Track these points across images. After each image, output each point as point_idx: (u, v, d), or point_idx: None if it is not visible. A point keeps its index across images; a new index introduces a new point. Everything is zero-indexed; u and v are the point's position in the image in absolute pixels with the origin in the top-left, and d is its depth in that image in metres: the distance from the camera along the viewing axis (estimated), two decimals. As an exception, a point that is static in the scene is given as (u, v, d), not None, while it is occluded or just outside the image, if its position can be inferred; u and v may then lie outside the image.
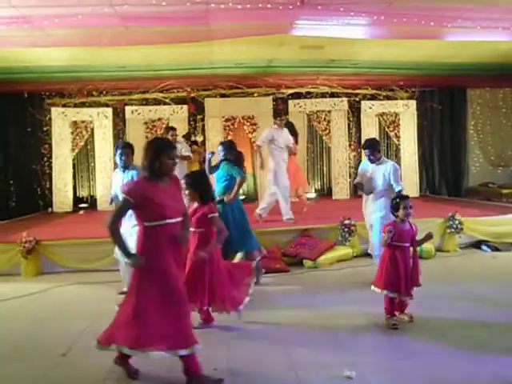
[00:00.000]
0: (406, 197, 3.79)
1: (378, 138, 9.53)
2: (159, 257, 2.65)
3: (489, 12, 5.31)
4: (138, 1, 4.62)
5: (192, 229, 3.34)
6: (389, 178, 4.44)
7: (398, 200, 3.68)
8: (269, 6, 4.91)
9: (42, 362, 3.08)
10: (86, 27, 5.24)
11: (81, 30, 5.34)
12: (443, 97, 10.16)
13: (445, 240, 6.05)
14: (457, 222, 5.98)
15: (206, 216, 3.44)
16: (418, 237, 3.71)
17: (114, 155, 4.50)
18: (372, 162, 4.59)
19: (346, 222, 5.82)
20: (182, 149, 6.84)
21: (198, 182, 3.58)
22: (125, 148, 4.32)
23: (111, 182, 4.61)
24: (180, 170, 6.90)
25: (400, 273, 3.49)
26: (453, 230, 5.99)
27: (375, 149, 4.58)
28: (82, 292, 4.75)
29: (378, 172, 4.52)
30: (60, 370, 2.95)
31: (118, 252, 4.17)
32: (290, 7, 4.99)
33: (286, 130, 6.92)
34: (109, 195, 4.98)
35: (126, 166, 4.27)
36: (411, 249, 3.62)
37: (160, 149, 2.72)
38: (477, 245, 6.15)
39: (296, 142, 7.45)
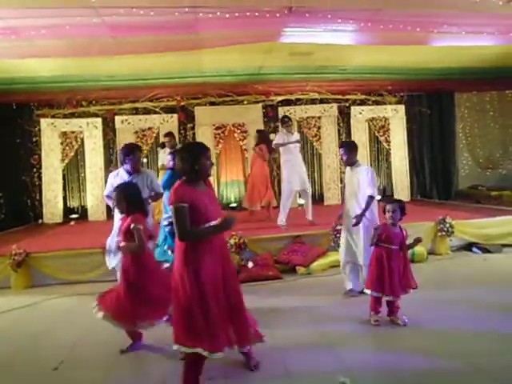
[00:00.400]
0: (392, 201, 3.83)
1: (368, 143, 9.74)
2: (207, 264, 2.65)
3: (473, 18, 5.40)
4: (126, 11, 4.62)
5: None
6: (363, 182, 4.30)
7: (384, 203, 3.73)
8: (256, 14, 4.96)
9: (33, 377, 3.03)
10: (75, 38, 5.23)
11: (69, 40, 5.34)
12: (431, 101, 10.26)
13: (436, 243, 6.08)
14: (448, 225, 6.02)
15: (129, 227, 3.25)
16: (409, 241, 3.74)
17: (122, 159, 4.22)
18: (346, 164, 4.50)
19: (338, 227, 5.82)
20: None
21: (125, 192, 3.39)
22: (140, 151, 4.32)
23: (108, 183, 4.39)
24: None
25: (385, 273, 3.55)
26: (444, 233, 6.03)
27: (350, 150, 4.43)
28: (74, 304, 4.69)
29: (354, 176, 4.42)
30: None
31: (111, 262, 4.13)
32: (278, 15, 5.03)
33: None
34: (104, 197, 4.77)
35: (137, 170, 4.20)
36: (401, 252, 3.63)
37: (198, 151, 2.73)
38: (468, 247, 6.19)
39: (269, 150, 7.47)
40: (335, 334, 3.48)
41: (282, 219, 6.46)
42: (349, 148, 4.47)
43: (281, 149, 6.83)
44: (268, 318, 3.87)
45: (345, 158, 4.46)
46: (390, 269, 3.57)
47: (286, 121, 6.86)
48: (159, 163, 7.98)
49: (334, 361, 3.01)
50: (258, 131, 7.92)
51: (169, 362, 3.10)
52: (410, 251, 5.58)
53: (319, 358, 3.07)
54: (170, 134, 7.36)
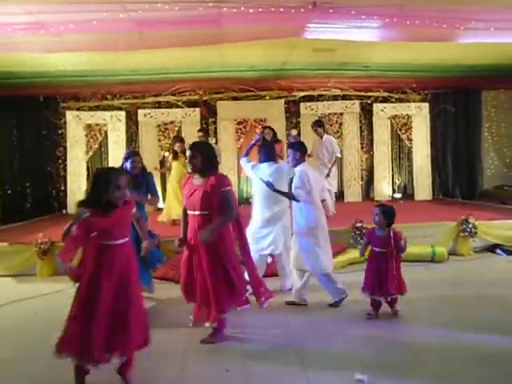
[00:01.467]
0: (377, 205, 3.96)
1: (389, 141, 9.61)
2: None
3: (502, 13, 5.27)
4: (152, 6, 4.68)
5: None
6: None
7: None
8: (281, 9, 4.94)
9: (58, 361, 3.12)
10: (101, 33, 5.32)
11: (96, 35, 5.44)
12: (457, 99, 10.06)
13: (458, 244, 5.98)
14: (470, 225, 5.91)
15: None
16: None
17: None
18: (293, 165, 4.21)
19: (358, 224, 5.80)
20: None
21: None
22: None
23: None
24: None
25: (371, 275, 3.76)
26: (466, 234, 5.92)
27: (297, 149, 4.17)
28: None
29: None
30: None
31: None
32: (302, 10, 5.01)
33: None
34: None
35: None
36: (388, 254, 3.74)
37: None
38: (491, 249, 6.08)
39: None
40: (356, 328, 3.48)
41: None
42: (296, 147, 4.22)
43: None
44: (284, 312, 3.91)
45: (291, 157, 4.19)
46: (376, 271, 3.73)
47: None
48: None
49: (351, 358, 3.02)
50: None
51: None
52: (429, 251, 5.61)
53: (337, 354, 3.09)
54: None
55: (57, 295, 4.76)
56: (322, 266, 4.01)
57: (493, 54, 7.23)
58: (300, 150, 4.17)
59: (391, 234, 3.76)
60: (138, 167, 4.37)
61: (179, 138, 7.35)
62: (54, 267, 5.58)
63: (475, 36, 6.06)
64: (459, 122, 10.11)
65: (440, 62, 7.80)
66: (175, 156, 7.11)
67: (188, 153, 3.31)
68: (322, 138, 7.20)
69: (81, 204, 2.77)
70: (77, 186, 9.09)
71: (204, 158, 3.24)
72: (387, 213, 3.78)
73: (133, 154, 4.50)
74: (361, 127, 9.66)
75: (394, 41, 6.45)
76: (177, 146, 7.11)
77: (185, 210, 3.41)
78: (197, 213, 3.22)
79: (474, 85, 9.61)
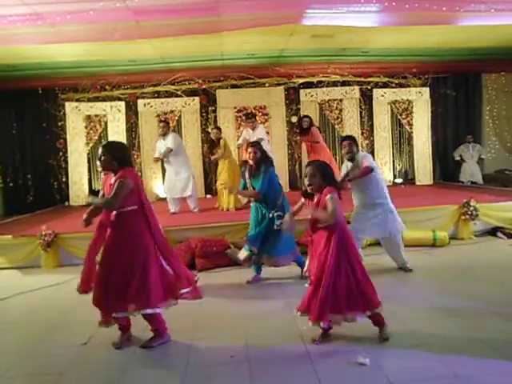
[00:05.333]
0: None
1: (390, 126, 9.59)
2: None
3: (503, -5, 5.22)
4: (149, -6, 4.66)
5: None
6: None
7: None
8: (279, -5, 4.91)
9: (64, 350, 3.19)
10: (98, 23, 5.29)
11: (93, 25, 5.40)
12: (457, 83, 10.01)
13: (459, 227, 6.00)
14: (472, 208, 5.92)
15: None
16: None
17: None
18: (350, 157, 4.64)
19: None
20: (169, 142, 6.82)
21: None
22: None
23: None
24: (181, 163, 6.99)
25: None
26: (468, 217, 5.94)
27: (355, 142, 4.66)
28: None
29: None
30: (82, 358, 3.06)
31: None
32: (301, -4, 4.98)
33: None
34: None
35: None
36: None
37: None
38: (492, 232, 6.10)
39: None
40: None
41: None
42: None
43: None
44: (287, 298, 3.95)
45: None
46: None
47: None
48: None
49: (353, 341, 3.07)
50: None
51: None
52: (431, 235, 5.63)
53: (340, 338, 3.13)
54: (164, 121, 7.21)
55: (62, 286, 4.82)
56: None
57: (493, 36, 7.17)
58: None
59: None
60: None
61: (217, 127, 7.52)
62: (59, 259, 5.64)
63: (475, 18, 6.01)
64: (460, 106, 10.08)
65: (440, 46, 7.74)
66: (212, 145, 7.23)
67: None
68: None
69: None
70: (78, 177, 9.11)
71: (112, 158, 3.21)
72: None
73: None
74: (361, 113, 9.62)
75: (393, 25, 6.39)
76: (213, 134, 7.22)
77: None
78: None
79: (474, 68, 9.55)
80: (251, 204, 4.63)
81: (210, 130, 8.72)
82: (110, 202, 3.07)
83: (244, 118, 7.98)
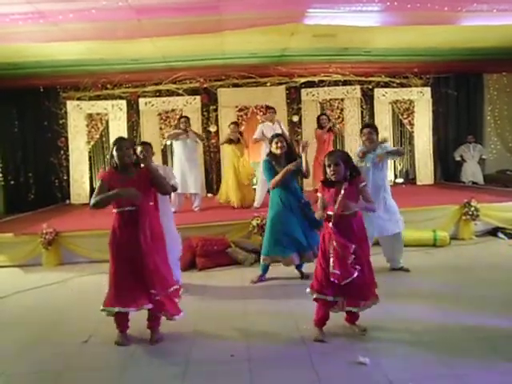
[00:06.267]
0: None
1: (391, 126, 9.58)
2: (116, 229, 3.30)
3: (505, -5, 5.21)
4: (151, -7, 4.66)
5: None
6: None
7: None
8: (281, -6, 4.90)
9: (65, 348, 3.19)
10: (100, 21, 5.29)
11: (95, 24, 5.40)
12: (459, 83, 10.00)
13: (460, 227, 5.99)
14: (473, 208, 5.91)
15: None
16: None
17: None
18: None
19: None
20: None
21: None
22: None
23: None
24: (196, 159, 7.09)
25: None
26: (468, 217, 5.93)
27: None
28: (102, 281, 4.81)
29: None
30: (82, 356, 3.07)
31: None
32: (302, -5, 4.98)
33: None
34: None
35: None
36: None
37: (112, 144, 3.21)
38: (493, 232, 6.09)
39: None
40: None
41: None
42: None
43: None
44: (289, 299, 3.95)
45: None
46: None
47: None
48: None
49: (353, 341, 3.07)
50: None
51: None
52: (431, 235, 5.63)
53: (339, 338, 3.14)
54: (184, 117, 7.31)
55: (63, 284, 4.83)
56: None
57: (495, 36, 7.15)
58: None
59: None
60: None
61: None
62: (60, 257, 5.65)
63: (477, 18, 6.00)
64: (461, 106, 10.07)
65: (442, 46, 7.73)
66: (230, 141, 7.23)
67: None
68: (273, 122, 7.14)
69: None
70: (79, 175, 9.12)
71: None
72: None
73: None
74: (362, 112, 9.62)
75: (395, 25, 6.39)
76: (231, 128, 7.22)
77: None
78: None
79: (475, 68, 9.53)
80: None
81: (210, 125, 8.75)
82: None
83: (265, 110, 7.74)
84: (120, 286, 3.15)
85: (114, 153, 3.15)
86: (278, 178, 4.23)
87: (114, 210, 3.22)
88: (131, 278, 3.12)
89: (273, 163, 4.35)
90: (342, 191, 2.98)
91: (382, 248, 4.78)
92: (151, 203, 3.25)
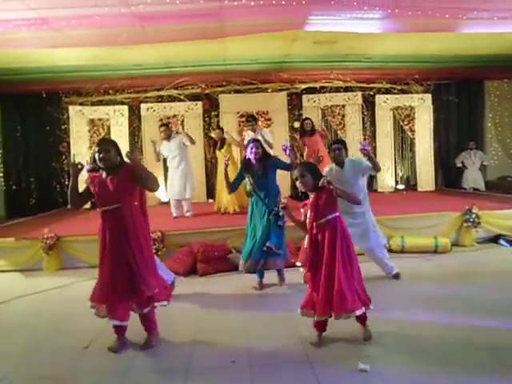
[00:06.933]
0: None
1: (392, 132, 9.59)
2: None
3: (505, 3, 5.24)
4: (153, 0, 4.69)
5: None
6: None
7: None
8: (283, 2, 4.94)
9: (66, 353, 3.19)
10: (103, 27, 5.33)
11: (98, 30, 5.44)
12: (460, 89, 10.03)
13: (461, 234, 5.98)
14: (474, 215, 5.91)
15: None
16: None
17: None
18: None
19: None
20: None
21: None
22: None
23: None
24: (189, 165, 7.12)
25: None
26: (470, 224, 5.92)
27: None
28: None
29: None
30: (83, 362, 3.06)
31: None
32: (304, 2, 5.00)
33: None
34: None
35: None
36: None
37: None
38: (494, 239, 6.07)
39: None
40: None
41: None
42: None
43: None
44: (288, 304, 3.95)
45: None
46: None
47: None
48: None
49: (354, 347, 3.06)
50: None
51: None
52: (432, 242, 5.62)
53: (340, 344, 3.13)
54: (164, 125, 7.42)
55: (64, 289, 4.83)
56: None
57: (496, 43, 7.19)
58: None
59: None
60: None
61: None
62: (61, 262, 5.65)
63: (478, 26, 6.04)
64: (462, 113, 10.09)
65: (442, 53, 7.77)
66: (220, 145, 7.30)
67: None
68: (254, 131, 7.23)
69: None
70: (81, 180, 9.09)
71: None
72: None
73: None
74: (363, 119, 9.64)
75: (396, 32, 6.42)
76: (215, 134, 7.33)
77: None
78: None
79: (476, 75, 9.56)
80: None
81: (211, 131, 8.71)
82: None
83: (245, 120, 7.93)
84: (104, 285, 3.18)
85: (96, 156, 3.18)
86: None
87: (98, 210, 3.27)
88: (116, 278, 3.13)
89: (242, 170, 4.48)
90: (310, 199, 3.12)
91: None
92: (136, 203, 3.22)
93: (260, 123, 9.21)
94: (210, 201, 9.15)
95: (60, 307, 4.30)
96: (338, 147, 4.54)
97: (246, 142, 7.10)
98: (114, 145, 3.25)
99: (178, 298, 4.23)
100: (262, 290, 4.47)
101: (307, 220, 3.20)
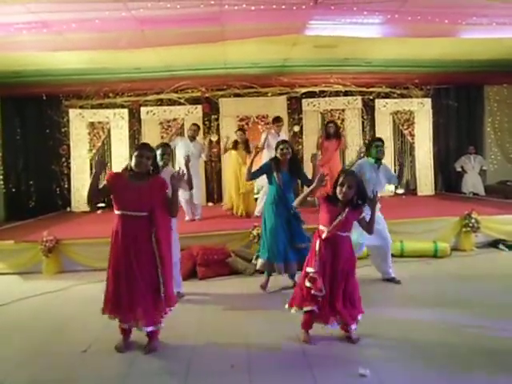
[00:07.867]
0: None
1: (392, 136, 9.61)
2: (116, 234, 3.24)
3: (505, 9, 5.25)
4: (154, 4, 4.70)
5: None
6: None
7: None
8: (283, 6, 4.95)
9: (65, 357, 3.18)
10: (103, 31, 5.34)
11: (98, 34, 5.46)
12: (459, 94, 10.05)
13: (461, 239, 5.98)
14: (473, 220, 5.91)
15: None
16: None
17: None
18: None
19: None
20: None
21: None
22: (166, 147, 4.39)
23: None
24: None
25: None
26: (469, 229, 5.93)
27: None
28: (102, 290, 4.83)
29: None
30: (82, 365, 3.04)
31: None
32: (304, 7, 5.02)
33: None
34: None
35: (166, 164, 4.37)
36: None
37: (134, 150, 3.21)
38: (494, 244, 6.08)
39: None
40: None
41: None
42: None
43: None
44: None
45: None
46: None
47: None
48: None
49: (354, 352, 3.05)
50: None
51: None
52: (432, 246, 5.62)
53: (340, 349, 3.12)
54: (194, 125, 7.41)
55: (63, 292, 4.82)
56: None
57: (495, 48, 7.21)
58: None
59: None
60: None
61: (240, 128, 7.64)
62: (60, 265, 5.64)
63: (477, 31, 6.06)
64: (462, 118, 10.11)
65: (442, 58, 7.79)
66: (235, 145, 7.26)
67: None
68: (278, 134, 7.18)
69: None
70: (81, 183, 9.13)
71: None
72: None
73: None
74: (363, 123, 9.66)
75: (395, 37, 6.44)
76: (238, 135, 7.27)
77: None
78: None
79: (476, 80, 9.59)
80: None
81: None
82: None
83: (272, 121, 7.58)
84: (115, 294, 3.16)
85: (133, 158, 3.11)
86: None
87: (116, 212, 3.16)
88: (126, 287, 3.10)
89: (271, 165, 4.44)
90: (344, 215, 3.06)
91: (371, 258, 4.88)
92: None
93: (260, 127, 9.26)
94: (210, 204, 9.16)
95: (59, 310, 4.28)
96: (381, 145, 4.85)
97: (262, 141, 7.04)
98: (154, 154, 3.26)
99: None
100: (266, 289, 4.54)
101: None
